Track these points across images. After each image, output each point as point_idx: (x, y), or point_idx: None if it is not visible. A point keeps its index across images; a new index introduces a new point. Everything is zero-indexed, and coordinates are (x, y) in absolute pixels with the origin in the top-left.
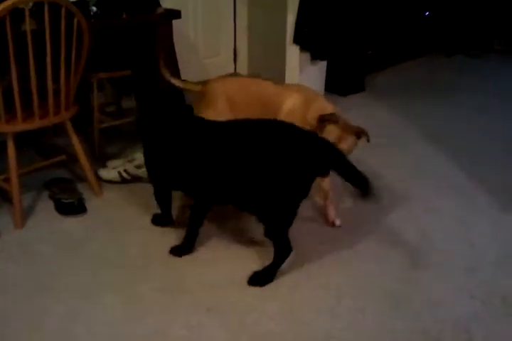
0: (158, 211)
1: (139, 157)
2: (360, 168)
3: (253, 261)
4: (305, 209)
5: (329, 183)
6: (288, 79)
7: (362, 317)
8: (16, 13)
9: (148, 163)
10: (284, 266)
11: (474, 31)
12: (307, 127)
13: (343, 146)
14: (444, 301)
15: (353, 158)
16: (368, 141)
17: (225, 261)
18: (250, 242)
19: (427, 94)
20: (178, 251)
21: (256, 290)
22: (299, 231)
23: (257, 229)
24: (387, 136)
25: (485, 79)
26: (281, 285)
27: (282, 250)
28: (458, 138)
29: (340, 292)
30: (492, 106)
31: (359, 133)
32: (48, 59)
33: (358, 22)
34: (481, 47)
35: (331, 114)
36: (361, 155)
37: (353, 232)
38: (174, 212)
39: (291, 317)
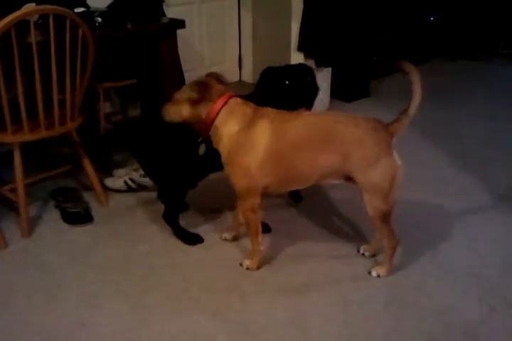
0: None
1: None
2: None
3: (260, 267)
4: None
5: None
6: None
7: (369, 324)
8: (21, 24)
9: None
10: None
11: (479, 35)
12: None
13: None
14: (451, 307)
15: None
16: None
17: (232, 268)
18: None
19: (432, 99)
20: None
21: (263, 297)
22: (306, 236)
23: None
24: None
25: (490, 83)
26: (289, 292)
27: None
28: (462, 141)
29: (347, 299)
30: (497, 110)
31: None
32: (53, 70)
33: (362, 28)
34: (486, 51)
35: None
36: None
37: (356, 238)
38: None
39: (299, 325)
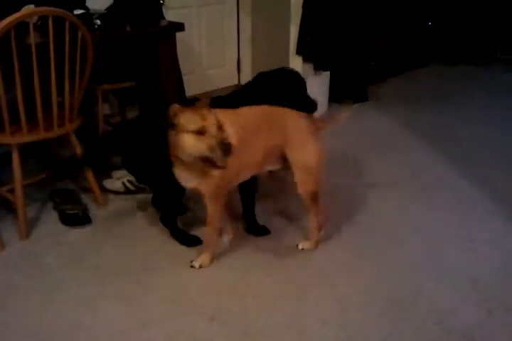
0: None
1: None
2: (360, 174)
3: (258, 270)
4: None
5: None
6: None
7: (366, 326)
8: (20, 26)
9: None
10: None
11: (478, 40)
12: None
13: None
14: (450, 311)
15: (354, 163)
16: None
17: (230, 270)
18: (254, 252)
19: (431, 103)
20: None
21: (261, 300)
22: (302, 239)
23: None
24: (389, 145)
25: (488, 88)
26: (287, 295)
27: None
28: (460, 145)
29: (345, 303)
30: (495, 114)
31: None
32: (52, 71)
33: (361, 32)
34: (484, 56)
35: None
36: (362, 165)
37: (356, 241)
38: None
39: (297, 328)
